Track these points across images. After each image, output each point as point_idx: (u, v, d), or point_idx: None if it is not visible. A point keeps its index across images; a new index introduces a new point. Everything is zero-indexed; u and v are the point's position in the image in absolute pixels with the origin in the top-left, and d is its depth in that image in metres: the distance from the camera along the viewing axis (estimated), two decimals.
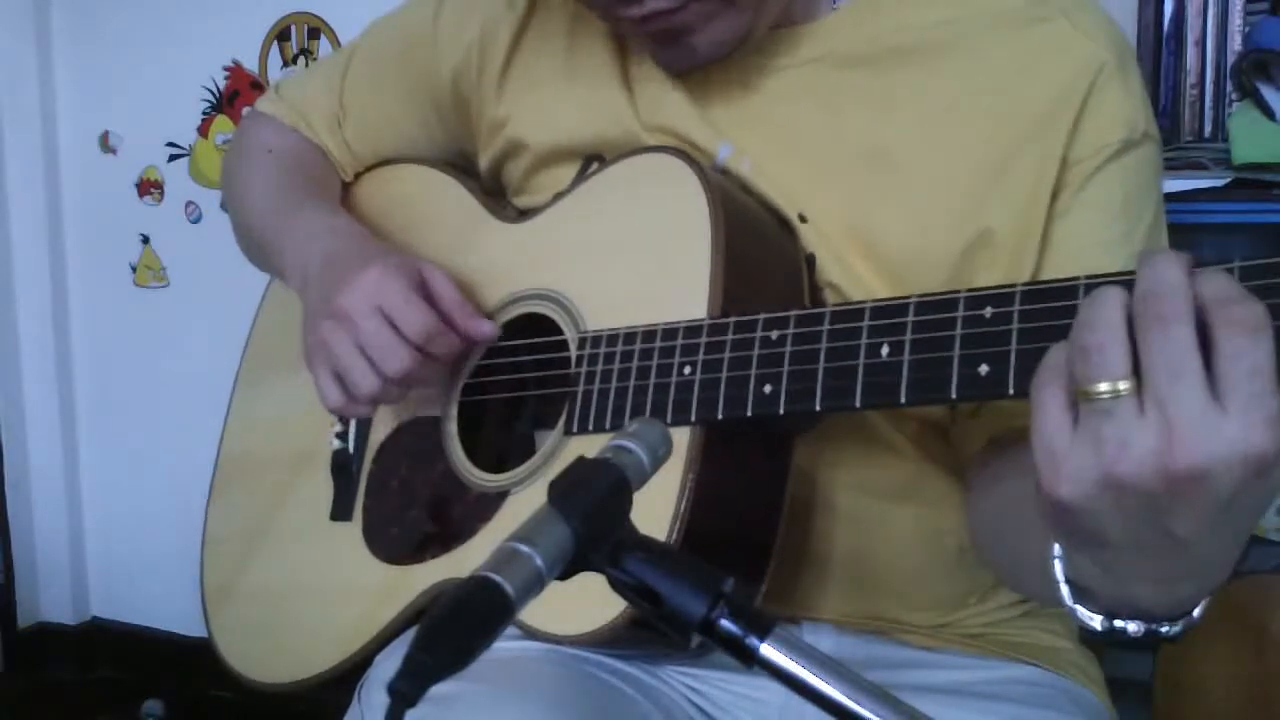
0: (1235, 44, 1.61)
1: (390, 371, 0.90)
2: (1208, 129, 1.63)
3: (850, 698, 0.55)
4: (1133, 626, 0.62)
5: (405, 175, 1.15)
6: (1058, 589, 0.63)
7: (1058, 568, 0.63)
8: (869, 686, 0.56)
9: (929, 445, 0.93)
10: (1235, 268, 0.57)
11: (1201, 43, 1.63)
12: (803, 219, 0.90)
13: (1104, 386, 0.54)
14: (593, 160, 0.98)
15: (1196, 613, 0.62)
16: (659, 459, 0.61)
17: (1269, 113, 1.53)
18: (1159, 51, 1.63)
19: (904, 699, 0.55)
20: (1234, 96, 1.60)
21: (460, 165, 1.13)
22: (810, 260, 0.90)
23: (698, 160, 0.89)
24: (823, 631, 0.94)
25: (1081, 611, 0.63)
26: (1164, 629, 0.61)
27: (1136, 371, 0.54)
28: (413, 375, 0.92)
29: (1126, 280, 0.58)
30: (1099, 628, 0.63)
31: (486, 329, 0.95)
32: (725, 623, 0.56)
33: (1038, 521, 0.60)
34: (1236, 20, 1.61)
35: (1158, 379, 0.53)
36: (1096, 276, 0.62)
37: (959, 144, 0.87)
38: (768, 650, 0.56)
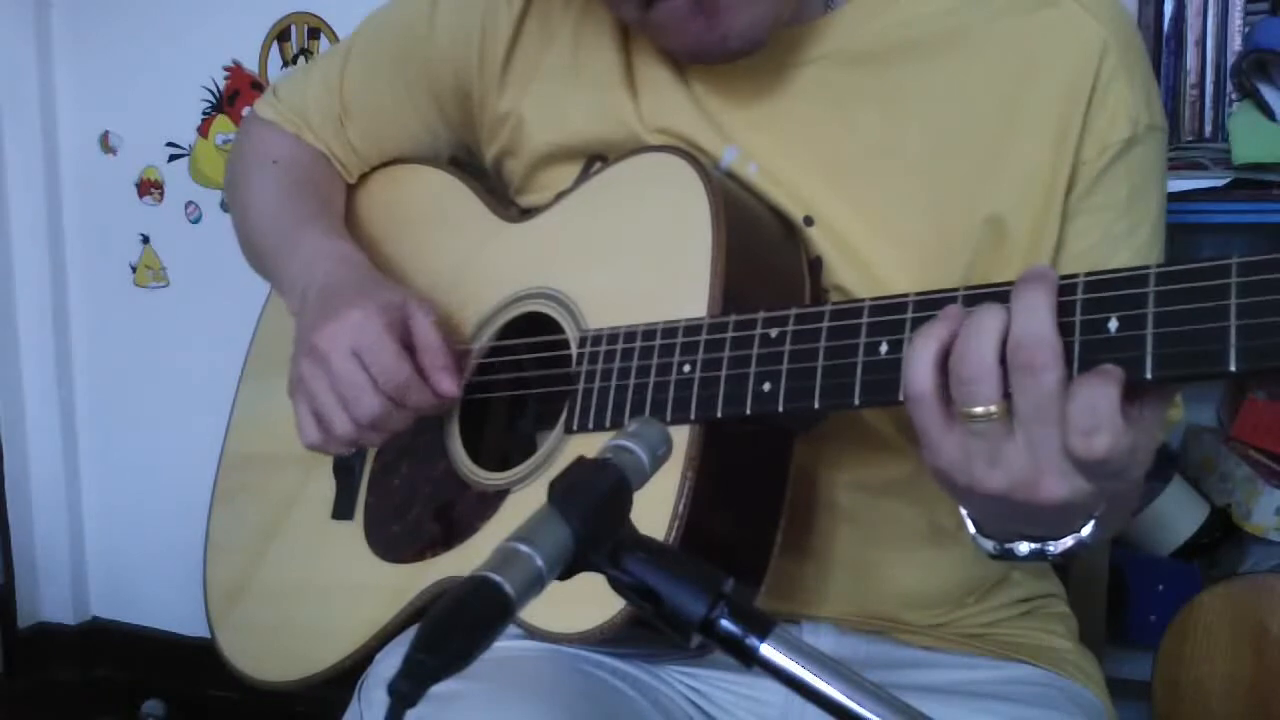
0: (1235, 44, 1.61)
1: (360, 417, 0.90)
2: (1208, 129, 1.63)
3: (850, 698, 0.55)
4: (1023, 548, 0.72)
5: (409, 176, 1.14)
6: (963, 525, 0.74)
7: (964, 513, 0.74)
8: (869, 686, 0.56)
9: None
10: (1233, 264, 0.57)
11: (1201, 43, 1.63)
12: (809, 221, 0.90)
13: (978, 410, 0.63)
14: (595, 160, 0.98)
15: (1086, 533, 0.70)
16: (659, 459, 0.61)
17: (1269, 113, 1.53)
18: (1159, 51, 1.63)
19: (904, 699, 0.56)
20: (1234, 96, 1.60)
21: (465, 163, 1.13)
22: (816, 263, 0.90)
23: (700, 160, 0.88)
24: (823, 631, 0.94)
25: (979, 537, 0.74)
26: (1050, 548, 0.71)
27: (1008, 394, 0.62)
28: (383, 422, 0.91)
29: (1127, 277, 0.61)
30: (991, 551, 0.73)
31: (447, 387, 0.92)
32: (725, 623, 0.56)
33: None
34: (1236, 20, 1.61)
35: (1025, 416, 0.62)
36: (1096, 275, 0.62)
37: (967, 133, 0.88)
38: (768, 650, 0.56)
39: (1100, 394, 0.59)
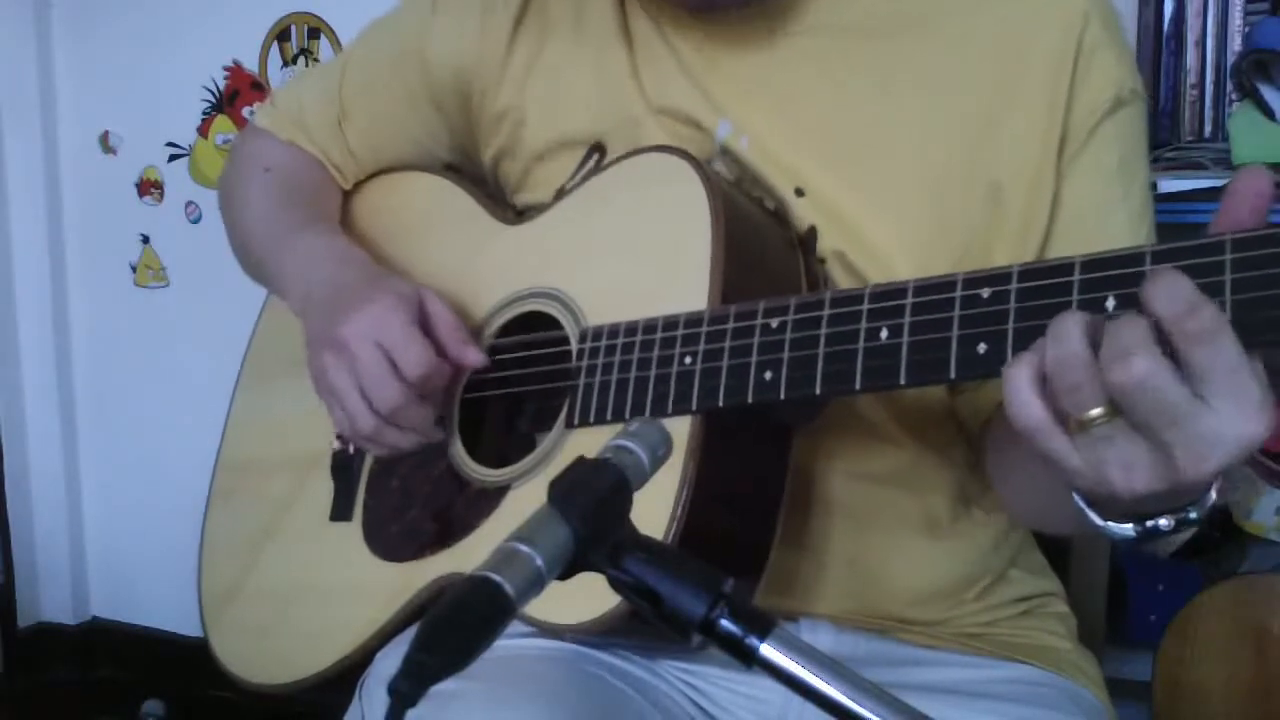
0: (1235, 44, 1.61)
1: (380, 407, 0.91)
2: (1208, 129, 1.63)
3: (850, 697, 0.55)
4: (1164, 521, 0.64)
5: (405, 183, 1.15)
6: (1084, 517, 0.66)
7: (1076, 497, 0.66)
8: (869, 686, 0.56)
9: (923, 431, 0.94)
10: (1228, 239, 0.58)
11: (1201, 43, 1.63)
12: (800, 193, 0.91)
13: (1095, 412, 0.59)
14: (594, 151, 0.98)
15: (1217, 483, 0.64)
16: (659, 459, 0.61)
17: (1269, 113, 1.53)
18: (1159, 51, 1.63)
19: (904, 698, 0.56)
20: (1234, 96, 1.60)
21: (462, 168, 1.13)
22: (811, 233, 0.91)
23: (698, 159, 0.89)
24: (821, 629, 0.94)
25: (1115, 527, 0.66)
26: (1191, 514, 0.64)
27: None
28: (402, 414, 0.91)
29: (1122, 256, 0.62)
30: (1134, 534, 0.66)
31: (474, 358, 0.94)
32: (725, 623, 0.56)
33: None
34: (1236, 20, 1.61)
35: (1138, 413, 0.57)
36: (1092, 256, 0.63)
37: (959, 105, 0.90)
38: (767, 650, 0.56)
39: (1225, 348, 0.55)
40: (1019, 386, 0.61)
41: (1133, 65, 0.92)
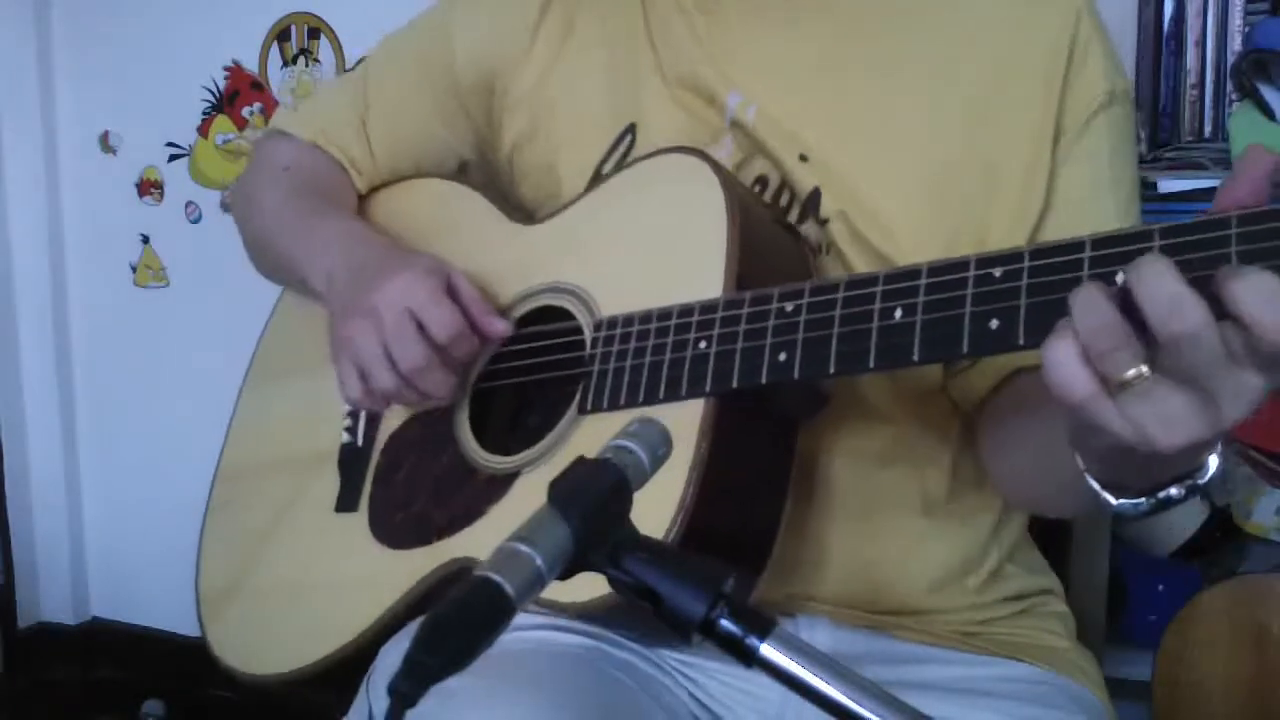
0: (1235, 44, 1.61)
1: (404, 366, 0.93)
2: (1208, 129, 1.63)
3: (850, 697, 0.55)
4: (1175, 490, 0.67)
5: (419, 188, 1.16)
6: (1095, 497, 0.69)
7: (1091, 480, 0.69)
8: (868, 685, 0.56)
9: (920, 409, 0.95)
10: (1233, 216, 0.59)
11: (1201, 43, 1.63)
12: (803, 158, 0.94)
13: (1131, 373, 0.59)
14: (626, 134, 1.00)
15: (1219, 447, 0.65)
16: (659, 459, 0.62)
17: (1269, 113, 1.53)
18: (1159, 51, 1.63)
19: (902, 695, 0.56)
20: (1234, 96, 1.60)
21: (475, 170, 1.14)
22: (814, 195, 0.93)
23: (714, 159, 0.91)
24: (819, 627, 0.94)
25: (1126, 503, 0.68)
26: (1200, 480, 0.67)
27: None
28: (423, 373, 0.93)
29: (1130, 234, 0.64)
30: (1147, 508, 0.68)
31: (499, 327, 0.97)
32: (725, 623, 0.57)
33: (1060, 445, 0.68)
34: (1236, 20, 1.61)
35: (1184, 362, 0.58)
36: (1101, 234, 0.65)
37: (958, 90, 0.93)
38: (768, 650, 0.56)
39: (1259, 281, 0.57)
40: (1064, 360, 0.61)
41: (1119, 59, 0.96)
